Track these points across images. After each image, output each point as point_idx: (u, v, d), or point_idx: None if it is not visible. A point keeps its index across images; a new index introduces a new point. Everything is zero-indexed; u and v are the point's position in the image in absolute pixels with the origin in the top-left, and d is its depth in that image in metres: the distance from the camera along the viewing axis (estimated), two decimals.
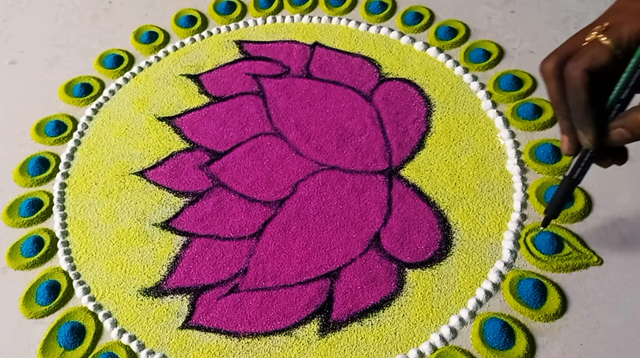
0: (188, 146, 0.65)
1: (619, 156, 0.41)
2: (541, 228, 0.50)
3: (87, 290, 0.56)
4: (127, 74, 0.73)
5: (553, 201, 0.46)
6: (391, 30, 0.73)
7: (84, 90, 0.71)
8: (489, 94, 0.66)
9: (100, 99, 0.71)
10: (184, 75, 0.72)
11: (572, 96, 0.38)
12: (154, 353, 0.52)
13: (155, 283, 0.56)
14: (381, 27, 0.74)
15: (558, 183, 0.57)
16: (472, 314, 0.52)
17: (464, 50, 0.71)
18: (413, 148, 0.63)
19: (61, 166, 0.65)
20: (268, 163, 0.63)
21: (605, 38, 0.37)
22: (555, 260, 0.53)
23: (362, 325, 0.52)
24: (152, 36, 0.76)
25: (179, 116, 0.68)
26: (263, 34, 0.75)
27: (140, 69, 0.73)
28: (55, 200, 0.62)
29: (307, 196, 0.60)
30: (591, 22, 0.40)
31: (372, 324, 0.52)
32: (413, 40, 0.72)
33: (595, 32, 0.38)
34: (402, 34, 0.73)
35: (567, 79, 0.38)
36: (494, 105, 0.65)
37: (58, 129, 0.68)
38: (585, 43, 0.38)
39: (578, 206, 0.56)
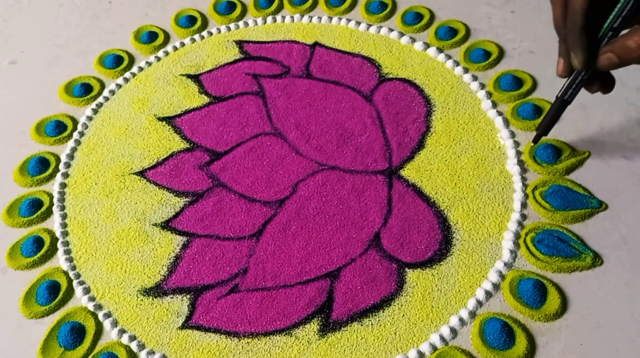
0: (188, 146, 0.65)
1: (606, 84, 0.45)
2: (532, 144, 0.56)
3: (87, 290, 0.56)
4: (127, 74, 0.73)
5: (544, 120, 0.51)
6: (391, 30, 0.73)
7: (84, 90, 0.71)
8: (489, 94, 0.66)
9: (100, 99, 0.71)
10: (184, 75, 0.72)
11: (570, 20, 0.42)
12: (154, 353, 0.52)
13: (155, 283, 0.56)
14: (381, 27, 0.74)
15: (558, 183, 0.58)
16: (472, 314, 0.52)
17: (464, 50, 0.71)
18: (413, 148, 0.63)
19: (61, 166, 0.65)
20: (268, 163, 0.63)
21: None
22: (555, 261, 0.53)
23: (362, 325, 0.52)
24: (152, 36, 0.76)
25: (179, 116, 0.68)
26: (263, 34, 0.75)
27: (140, 69, 0.73)
28: (55, 200, 0.62)
29: (307, 196, 0.60)
30: None
31: (372, 324, 0.52)
32: (413, 40, 0.72)
33: None
34: (402, 34, 0.73)
35: (569, 3, 0.42)
36: (494, 105, 0.65)
37: (58, 129, 0.68)
38: None
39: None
